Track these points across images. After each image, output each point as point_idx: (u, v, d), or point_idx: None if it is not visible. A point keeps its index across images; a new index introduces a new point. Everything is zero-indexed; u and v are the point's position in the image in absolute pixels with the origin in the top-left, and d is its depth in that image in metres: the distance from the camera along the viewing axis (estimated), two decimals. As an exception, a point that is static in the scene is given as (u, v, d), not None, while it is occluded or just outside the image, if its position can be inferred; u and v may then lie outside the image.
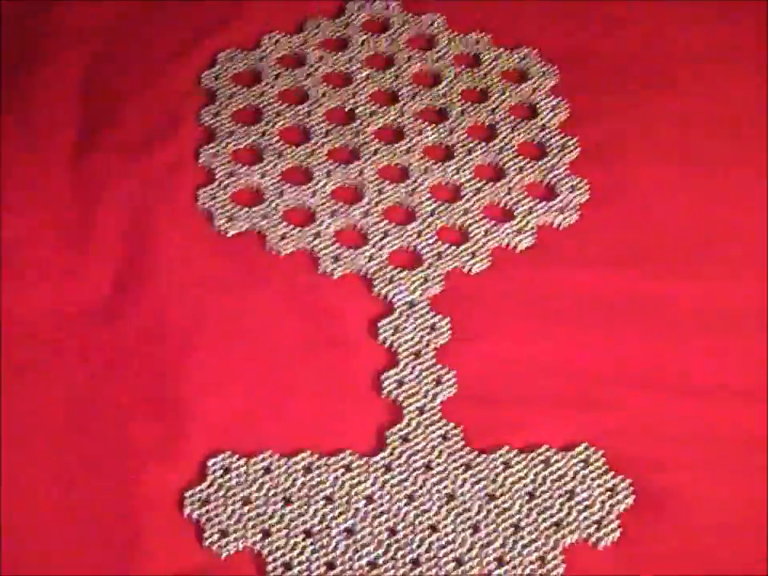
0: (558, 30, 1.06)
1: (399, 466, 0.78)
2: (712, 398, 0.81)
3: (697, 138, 0.97)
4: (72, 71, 0.99)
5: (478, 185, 0.95)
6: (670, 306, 0.86)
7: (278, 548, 0.73)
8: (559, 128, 0.99)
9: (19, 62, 0.99)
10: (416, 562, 0.73)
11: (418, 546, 0.74)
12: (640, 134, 0.98)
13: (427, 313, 0.86)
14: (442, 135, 0.98)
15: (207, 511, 0.75)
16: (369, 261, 0.89)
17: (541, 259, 0.91)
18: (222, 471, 0.77)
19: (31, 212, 0.88)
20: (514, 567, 0.73)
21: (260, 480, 0.76)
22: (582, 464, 0.78)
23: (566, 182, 0.95)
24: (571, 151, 0.97)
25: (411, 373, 0.83)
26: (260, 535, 0.74)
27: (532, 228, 0.92)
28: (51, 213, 0.90)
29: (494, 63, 1.04)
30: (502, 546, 0.74)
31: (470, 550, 0.74)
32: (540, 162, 0.97)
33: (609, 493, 0.77)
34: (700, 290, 0.87)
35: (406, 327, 0.85)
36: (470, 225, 0.92)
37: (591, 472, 0.78)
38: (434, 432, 0.80)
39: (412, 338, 0.84)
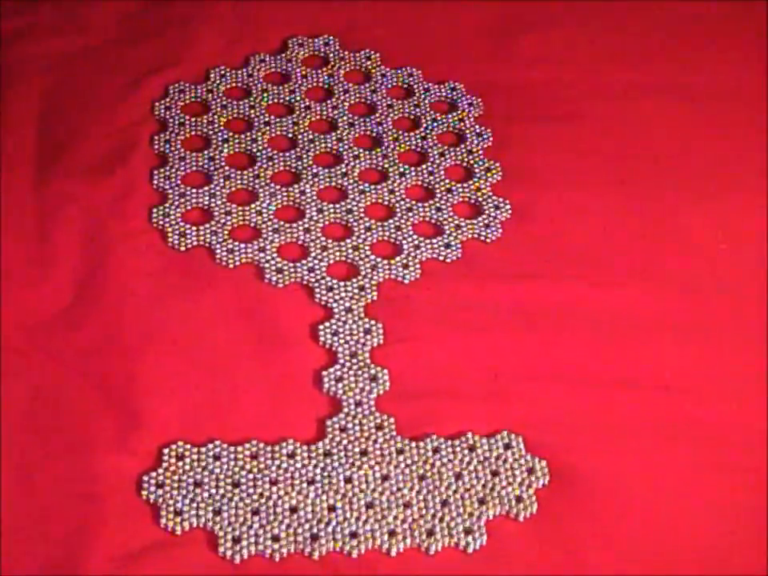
0: (484, 65, 1.16)
1: (338, 452, 0.86)
2: (617, 390, 0.90)
3: (601, 164, 1.07)
4: (30, 103, 1.06)
5: (410, 204, 1.04)
6: (578, 311, 0.95)
7: (228, 524, 0.80)
8: (484, 153, 1.09)
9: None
10: (354, 534, 0.81)
11: (356, 520, 0.81)
12: (553, 160, 1.08)
13: (363, 318, 0.94)
14: (377, 160, 1.07)
15: (162, 494, 0.82)
16: (310, 272, 0.97)
17: (466, 270, 1.00)
18: (175, 458, 0.84)
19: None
20: (443, 537, 0.81)
21: (210, 466, 0.84)
22: (503, 448, 0.87)
23: (491, 202, 1.04)
24: (494, 174, 1.07)
25: (349, 371, 0.91)
26: (211, 514, 0.81)
27: (459, 242, 1.01)
28: (13, 231, 0.97)
29: (424, 95, 1.14)
30: (432, 519, 0.82)
31: (402, 523, 0.81)
32: (466, 184, 1.06)
33: (527, 472, 0.85)
34: (605, 295, 0.96)
35: (343, 331, 0.93)
36: (402, 239, 1.01)
37: (512, 455, 0.86)
38: (369, 422, 0.88)
39: (349, 341, 0.93)
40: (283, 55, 1.16)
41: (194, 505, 0.82)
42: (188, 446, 0.85)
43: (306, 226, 1.01)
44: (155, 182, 1.03)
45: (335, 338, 0.93)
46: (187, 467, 0.84)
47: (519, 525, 0.83)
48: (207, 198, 1.02)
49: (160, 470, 0.83)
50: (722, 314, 0.96)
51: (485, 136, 1.10)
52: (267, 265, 0.97)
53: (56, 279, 0.94)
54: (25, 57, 1.10)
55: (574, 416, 0.89)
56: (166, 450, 0.84)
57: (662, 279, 0.99)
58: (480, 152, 1.09)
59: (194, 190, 1.02)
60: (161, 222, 1.00)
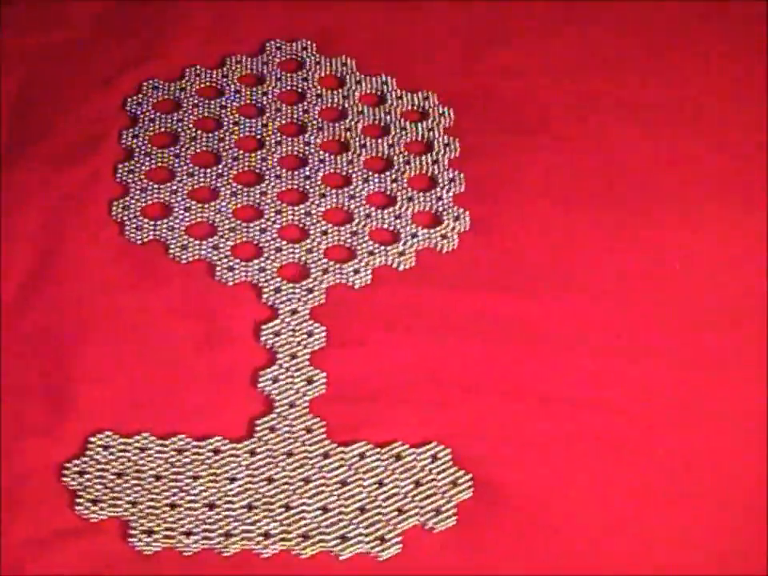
0: (459, 75, 1.16)
1: (264, 452, 0.86)
2: (551, 406, 0.90)
3: (566, 179, 1.06)
4: (5, 94, 1.08)
5: (369, 210, 1.04)
6: (524, 324, 0.96)
7: (142, 516, 0.81)
8: (449, 164, 1.09)
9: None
10: (266, 535, 0.81)
11: (272, 521, 0.82)
12: (519, 173, 1.07)
13: (307, 321, 0.95)
14: (341, 165, 1.07)
15: (83, 482, 0.83)
16: (261, 271, 0.98)
17: (418, 279, 1.00)
18: (101, 448, 0.85)
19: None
20: (356, 544, 0.81)
21: (135, 458, 0.84)
22: (430, 459, 0.87)
23: (451, 212, 1.05)
24: (458, 185, 1.07)
25: (286, 372, 0.91)
26: (128, 505, 0.82)
27: (414, 251, 1.01)
28: None
29: (397, 102, 1.14)
30: (347, 525, 0.82)
31: (316, 528, 0.82)
32: (429, 193, 1.06)
33: (451, 485, 0.85)
34: (552, 311, 0.96)
35: (286, 332, 0.94)
36: (357, 245, 1.01)
37: (438, 466, 0.86)
38: (299, 424, 0.88)
39: (290, 342, 0.93)
40: (260, 57, 1.16)
41: (112, 495, 0.82)
42: (115, 437, 0.86)
43: (263, 226, 1.02)
44: (118, 174, 1.04)
45: (276, 339, 0.93)
46: (112, 457, 0.85)
47: (436, 536, 0.83)
48: (168, 193, 1.03)
49: (84, 459, 0.84)
50: (665, 334, 0.95)
51: (452, 146, 1.10)
52: (219, 262, 0.98)
53: (8, 265, 0.95)
54: (1, 49, 1.11)
55: (509, 429, 0.89)
56: (92, 439, 0.85)
57: (611, 297, 0.99)
58: (446, 162, 1.09)
59: (155, 185, 1.04)
60: (120, 215, 1.01)
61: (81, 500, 0.82)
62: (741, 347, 0.95)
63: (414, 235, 1.03)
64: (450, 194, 1.06)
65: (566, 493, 0.86)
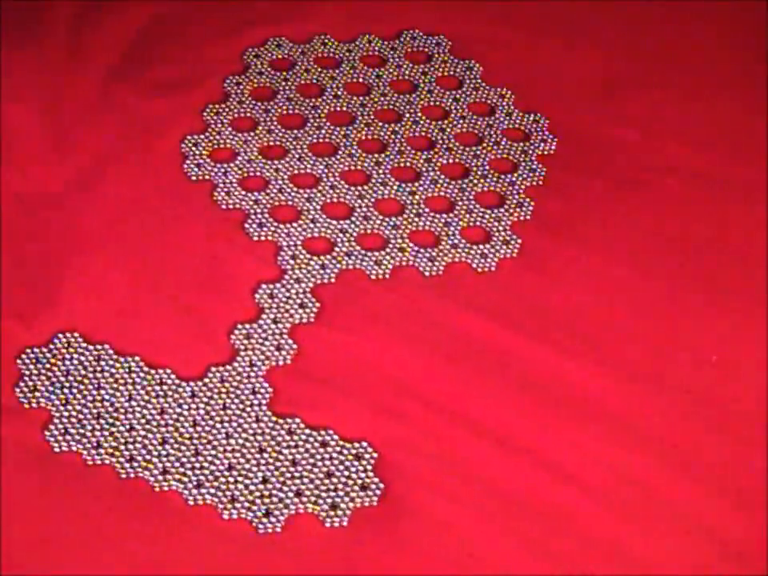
0: (575, 110, 1.12)
1: (203, 397, 0.88)
2: (502, 450, 0.87)
3: (636, 242, 1.02)
4: (137, 21, 1.15)
5: (422, 210, 1.03)
6: (513, 364, 0.93)
7: (66, 417, 0.86)
8: (526, 190, 1.06)
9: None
10: (165, 472, 0.84)
11: (176, 461, 0.84)
12: (592, 222, 1.03)
13: (305, 293, 0.96)
14: (418, 161, 1.07)
15: (32, 369, 0.88)
16: (287, 235, 1.00)
17: (437, 289, 0.98)
18: (63, 346, 0.90)
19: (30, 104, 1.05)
20: (242, 509, 0.82)
21: (87, 363, 0.89)
22: (352, 456, 0.86)
23: (503, 235, 1.02)
24: (524, 212, 1.04)
25: (262, 333, 0.93)
26: (59, 403, 0.87)
27: (446, 260, 0.99)
28: (47, 113, 1.05)
29: (504, 117, 1.12)
30: (243, 489, 0.83)
31: (213, 481, 0.84)
32: (491, 211, 1.04)
33: (360, 488, 0.84)
34: (555, 366, 0.93)
35: (280, 296, 0.95)
36: (392, 237, 1.01)
37: (357, 466, 0.85)
38: (248, 384, 0.89)
39: (279, 307, 0.95)
40: (390, 42, 1.17)
41: (52, 389, 0.87)
42: (80, 340, 0.91)
43: (311, 195, 1.03)
44: (205, 113, 1.09)
45: (269, 300, 0.95)
46: (68, 357, 0.89)
47: (324, 530, 0.82)
48: (241, 142, 1.07)
49: (44, 350, 0.90)
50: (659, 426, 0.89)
51: (537, 172, 1.07)
52: (253, 215, 1.01)
53: (66, 161, 1.02)
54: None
55: (446, 459, 0.87)
56: (60, 335, 0.91)
57: (624, 373, 0.93)
58: (523, 187, 1.06)
59: (232, 132, 1.07)
60: (187, 148, 1.06)
61: (22, 384, 0.88)
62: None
63: (454, 246, 1.01)
64: (513, 218, 1.03)
65: (472, 539, 0.82)
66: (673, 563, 0.83)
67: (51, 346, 0.90)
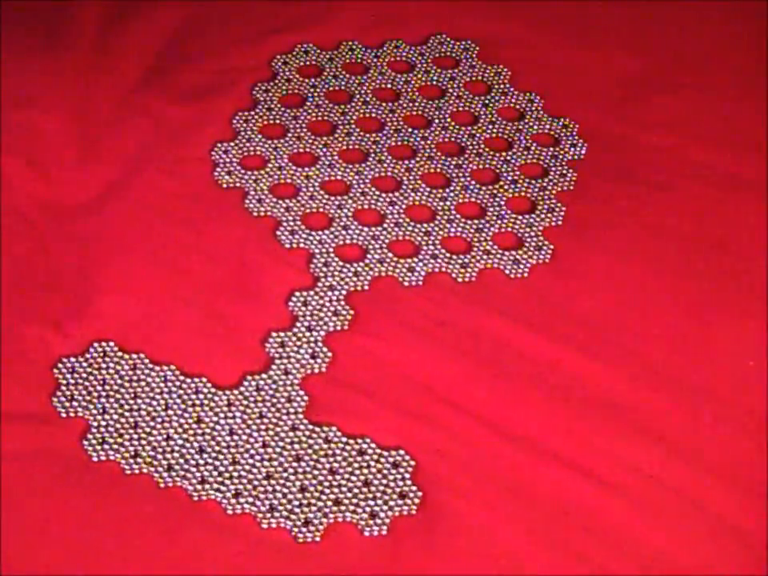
0: (605, 116, 1.11)
1: (240, 405, 0.88)
2: (532, 455, 0.86)
3: (668, 247, 1.01)
4: (164, 25, 1.15)
5: (453, 216, 1.03)
6: (543, 369, 0.92)
7: (104, 426, 0.86)
8: (557, 196, 1.05)
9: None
10: (204, 481, 0.84)
11: (214, 470, 0.84)
12: (624, 227, 1.02)
13: (339, 300, 0.96)
14: (448, 167, 1.07)
15: (69, 378, 0.88)
16: (319, 242, 1.00)
17: (471, 296, 0.98)
18: (99, 355, 0.90)
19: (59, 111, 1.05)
20: (281, 518, 0.82)
21: (123, 373, 0.89)
22: (390, 465, 0.85)
23: (535, 241, 1.01)
24: (556, 218, 1.03)
25: (297, 341, 0.93)
26: (96, 412, 0.87)
27: (478, 267, 0.99)
28: (76, 120, 1.05)
29: (534, 122, 1.11)
30: (282, 497, 0.83)
31: (252, 490, 0.83)
32: (523, 217, 1.03)
33: (399, 496, 0.84)
34: (576, 366, 0.92)
35: (314, 304, 0.95)
36: (424, 244, 1.00)
37: (395, 475, 0.85)
38: (284, 392, 0.89)
39: (314, 315, 0.94)
40: (418, 48, 1.17)
41: (89, 398, 0.87)
42: (116, 349, 0.90)
43: (342, 202, 1.03)
44: (235, 120, 1.09)
45: (303, 308, 0.95)
46: (104, 366, 0.89)
47: (363, 539, 0.82)
48: (271, 149, 1.07)
49: (80, 359, 0.90)
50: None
51: (568, 179, 1.07)
52: (285, 223, 1.01)
53: (96, 173, 1.02)
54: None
55: (481, 464, 0.86)
56: (95, 344, 0.91)
57: (652, 377, 0.93)
58: (554, 192, 1.05)
59: (262, 139, 1.07)
60: (218, 156, 1.06)
61: (59, 393, 0.88)
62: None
63: (486, 252, 1.00)
64: (544, 223, 1.03)
65: (508, 543, 0.82)
66: (702, 564, 0.82)
67: (87, 356, 0.90)
